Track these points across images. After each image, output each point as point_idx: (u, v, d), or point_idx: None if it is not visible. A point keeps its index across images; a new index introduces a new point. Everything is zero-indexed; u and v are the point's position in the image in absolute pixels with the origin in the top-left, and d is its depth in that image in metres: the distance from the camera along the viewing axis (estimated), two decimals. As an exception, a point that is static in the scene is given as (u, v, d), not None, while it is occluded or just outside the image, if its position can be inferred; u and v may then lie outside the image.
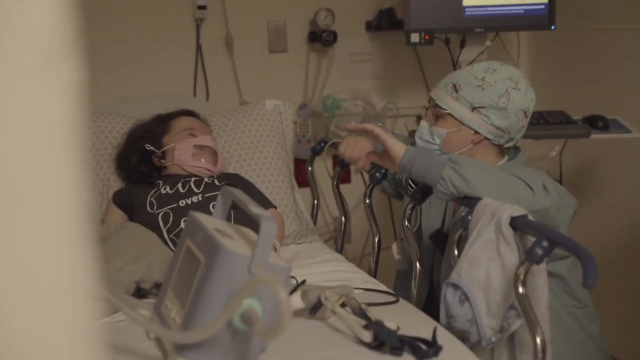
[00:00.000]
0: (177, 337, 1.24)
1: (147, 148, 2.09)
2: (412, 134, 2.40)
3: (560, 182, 2.93)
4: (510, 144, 1.82)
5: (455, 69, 2.73)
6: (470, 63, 2.64)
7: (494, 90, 1.75)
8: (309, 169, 2.45)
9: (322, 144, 2.37)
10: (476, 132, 1.78)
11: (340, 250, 2.24)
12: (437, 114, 1.82)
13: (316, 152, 2.40)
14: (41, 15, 0.35)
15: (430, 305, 1.91)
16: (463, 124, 1.78)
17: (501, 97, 1.75)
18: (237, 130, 2.30)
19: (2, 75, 0.35)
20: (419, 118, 2.54)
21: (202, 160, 2.07)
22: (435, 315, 1.78)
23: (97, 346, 0.46)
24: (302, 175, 2.86)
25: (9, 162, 0.40)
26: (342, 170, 2.26)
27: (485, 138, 1.78)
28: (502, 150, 1.83)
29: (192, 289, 1.27)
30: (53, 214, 0.43)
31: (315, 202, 2.45)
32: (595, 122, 2.54)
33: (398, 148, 1.65)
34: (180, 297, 1.32)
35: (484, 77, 1.76)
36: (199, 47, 2.81)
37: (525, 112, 1.78)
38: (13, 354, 0.40)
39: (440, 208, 1.94)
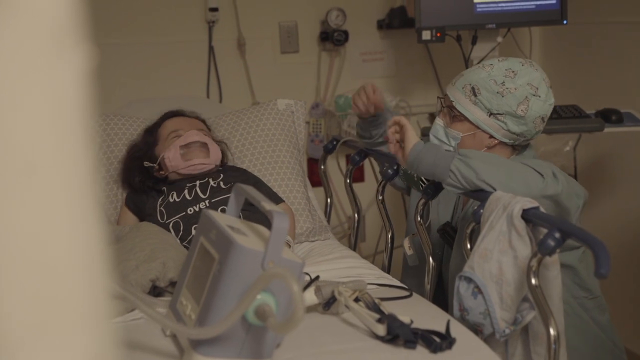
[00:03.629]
0: (193, 332, 1.25)
1: (145, 165, 2.08)
2: (424, 131, 2.41)
3: (575, 177, 2.91)
4: (524, 144, 1.82)
5: (467, 66, 2.73)
6: (486, 59, 2.64)
7: (513, 98, 1.72)
8: (322, 167, 2.46)
9: (335, 142, 2.38)
10: (491, 136, 1.78)
11: (354, 247, 2.25)
12: (453, 115, 1.82)
13: (328, 150, 2.41)
14: (50, 1, 0.36)
15: (439, 298, 1.91)
16: (479, 128, 1.78)
17: (520, 105, 1.73)
18: (249, 129, 2.31)
19: (12, 63, 0.36)
20: (431, 116, 2.54)
21: (194, 157, 2.05)
22: (445, 309, 1.79)
23: (113, 345, 0.47)
24: (315, 175, 2.87)
25: (19, 154, 0.40)
26: (355, 168, 2.27)
27: (500, 142, 1.78)
28: (514, 147, 1.83)
29: (206, 285, 1.29)
30: (65, 204, 0.43)
31: (329, 200, 2.46)
32: (609, 116, 2.53)
33: (412, 140, 1.67)
34: (195, 294, 1.34)
35: (504, 82, 1.73)
36: (211, 49, 2.83)
37: (542, 118, 1.76)
38: (24, 351, 0.41)
39: (450, 202, 1.94)
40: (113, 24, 2.71)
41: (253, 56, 2.90)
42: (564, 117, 2.51)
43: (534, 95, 1.73)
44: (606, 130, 2.48)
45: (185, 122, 2.15)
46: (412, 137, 1.69)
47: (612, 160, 2.91)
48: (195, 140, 2.06)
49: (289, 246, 1.94)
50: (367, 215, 3.10)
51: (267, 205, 1.31)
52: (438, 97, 1.91)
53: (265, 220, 1.39)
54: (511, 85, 1.73)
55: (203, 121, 2.21)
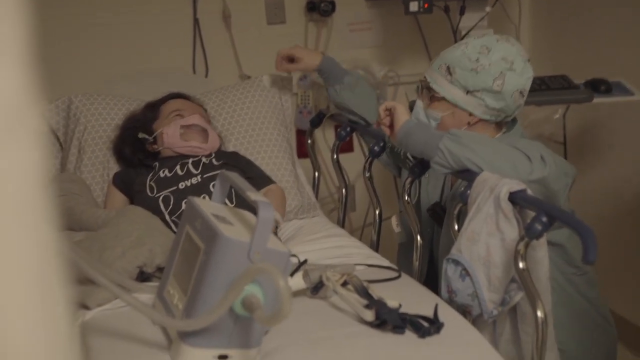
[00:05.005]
0: (180, 324, 1.25)
1: (139, 137, 2.09)
2: (412, 104, 2.39)
3: (564, 144, 2.91)
4: (507, 120, 1.82)
5: (455, 37, 2.70)
6: (467, 36, 2.62)
7: (487, 74, 1.72)
8: (309, 141, 2.45)
9: (321, 116, 2.37)
10: (471, 114, 1.77)
11: (342, 223, 2.24)
12: (432, 96, 1.81)
13: (315, 124, 2.39)
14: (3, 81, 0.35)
15: (432, 277, 1.92)
16: (458, 106, 1.77)
17: (495, 80, 1.72)
18: (235, 107, 2.29)
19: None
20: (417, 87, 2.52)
21: (192, 139, 2.06)
22: (436, 287, 1.80)
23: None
24: (304, 147, 2.85)
25: None
26: (341, 143, 2.25)
27: (481, 119, 1.77)
28: (499, 124, 1.82)
29: (193, 275, 1.28)
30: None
31: (316, 174, 2.45)
32: (598, 86, 2.51)
33: (402, 118, 1.67)
34: (182, 283, 1.33)
35: (478, 59, 1.73)
36: (196, 21, 2.79)
37: (521, 92, 1.76)
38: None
39: (439, 181, 1.94)
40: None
41: (239, 28, 2.86)
42: (552, 88, 2.50)
43: (509, 69, 1.73)
44: (595, 100, 2.47)
45: (190, 106, 2.16)
46: (402, 115, 1.69)
47: (601, 128, 2.90)
48: (197, 124, 2.08)
49: (277, 227, 1.94)
50: (357, 185, 3.09)
51: (252, 195, 1.30)
52: (419, 80, 1.90)
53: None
54: (485, 62, 1.73)
55: (206, 110, 2.22)
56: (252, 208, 1.43)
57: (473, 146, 1.57)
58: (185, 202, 1.89)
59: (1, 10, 0.36)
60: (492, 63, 1.72)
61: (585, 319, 1.81)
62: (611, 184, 2.80)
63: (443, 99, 1.78)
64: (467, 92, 1.75)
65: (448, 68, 1.76)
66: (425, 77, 1.84)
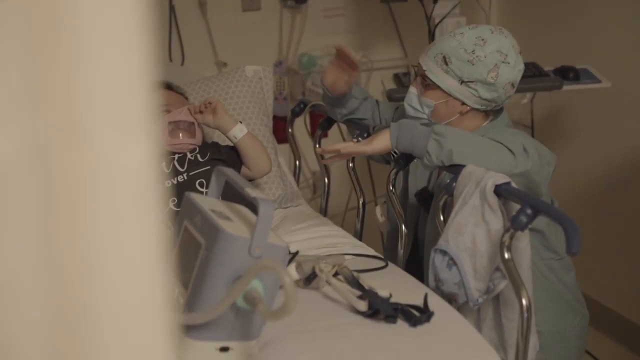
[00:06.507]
0: (185, 318, 1.29)
1: None
2: (389, 93, 2.44)
3: (532, 129, 3.00)
4: (496, 109, 1.88)
5: (429, 24, 2.76)
6: (441, 22, 2.67)
7: (483, 66, 1.77)
8: (289, 130, 2.48)
9: (302, 106, 2.40)
10: (464, 103, 1.82)
11: (324, 212, 2.29)
12: (426, 84, 1.86)
13: (295, 113, 2.42)
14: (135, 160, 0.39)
15: (413, 259, 1.98)
16: (451, 96, 1.82)
17: (490, 72, 1.77)
18: (218, 97, 2.30)
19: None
20: (396, 77, 2.57)
21: (180, 135, 2.04)
22: (418, 270, 1.87)
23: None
24: (279, 133, 2.88)
25: None
26: (323, 133, 2.29)
27: (473, 108, 1.83)
28: (487, 112, 1.88)
29: (194, 270, 1.32)
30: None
31: (297, 162, 2.49)
32: (567, 73, 2.59)
33: (383, 141, 1.72)
34: (182, 278, 1.37)
35: (474, 50, 1.78)
36: (172, 8, 2.79)
37: (512, 84, 1.82)
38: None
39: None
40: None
41: (214, 15, 2.87)
42: (524, 75, 2.56)
43: (503, 62, 1.78)
44: (564, 88, 2.55)
45: (175, 98, 2.13)
46: (376, 143, 1.75)
47: (568, 113, 2.99)
48: (184, 120, 2.06)
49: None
50: (331, 171, 3.13)
51: (251, 191, 1.33)
52: (412, 65, 1.94)
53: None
54: (481, 53, 1.77)
55: (187, 98, 2.20)
56: (240, 200, 1.47)
57: (459, 147, 1.63)
58: (171, 201, 1.91)
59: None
60: (488, 55, 1.77)
61: (561, 301, 1.89)
62: (578, 167, 2.90)
63: (438, 87, 1.82)
64: (462, 82, 1.79)
65: (444, 58, 1.80)
66: (419, 64, 1.87)
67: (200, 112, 2.00)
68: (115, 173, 0.40)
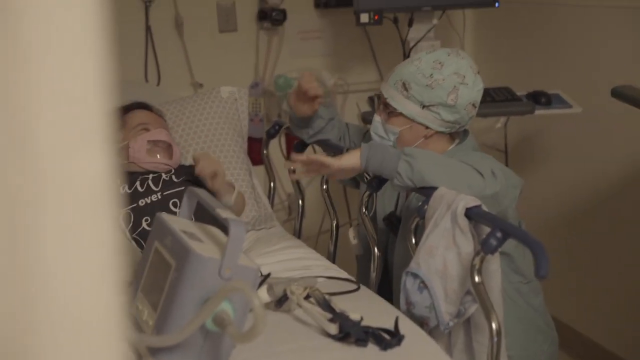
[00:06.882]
0: (152, 341, 1.28)
1: None
2: (364, 115, 2.45)
3: (505, 153, 3.03)
4: (460, 130, 1.90)
5: (404, 47, 2.78)
6: (415, 47, 2.70)
7: (442, 89, 1.79)
8: (264, 152, 2.49)
9: (277, 127, 2.40)
10: (427, 127, 1.84)
11: (298, 234, 2.29)
12: (389, 111, 1.87)
13: (270, 135, 2.43)
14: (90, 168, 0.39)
15: (384, 283, 1.99)
16: (414, 121, 1.84)
17: (450, 95, 1.79)
18: (193, 118, 2.30)
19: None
20: (371, 99, 2.59)
21: (158, 155, 2.04)
22: (388, 293, 1.87)
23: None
24: (253, 154, 2.88)
25: None
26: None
27: (437, 131, 1.85)
28: (452, 135, 1.90)
29: (163, 292, 1.31)
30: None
31: (272, 184, 2.49)
32: (539, 98, 2.63)
33: (352, 158, 1.72)
34: (152, 300, 1.36)
35: (432, 74, 1.80)
36: (148, 29, 2.79)
37: (473, 104, 1.84)
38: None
39: (394, 192, 2.00)
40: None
41: (191, 36, 2.87)
42: (497, 100, 2.60)
43: (461, 83, 1.80)
44: (536, 112, 2.58)
45: (154, 118, 2.12)
46: (346, 160, 1.75)
47: (541, 137, 3.03)
48: (164, 140, 2.06)
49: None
50: (306, 193, 3.14)
51: (222, 212, 1.33)
52: (376, 95, 1.96)
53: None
54: (439, 77, 1.80)
55: (165, 121, 2.20)
56: (213, 221, 1.47)
57: (429, 168, 1.64)
58: (145, 220, 1.90)
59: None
60: (446, 78, 1.79)
61: (530, 325, 1.90)
62: (550, 190, 2.93)
63: (400, 114, 1.84)
64: (423, 106, 1.81)
65: (404, 84, 1.82)
66: (381, 92, 1.89)
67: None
68: (64, 186, 0.40)
